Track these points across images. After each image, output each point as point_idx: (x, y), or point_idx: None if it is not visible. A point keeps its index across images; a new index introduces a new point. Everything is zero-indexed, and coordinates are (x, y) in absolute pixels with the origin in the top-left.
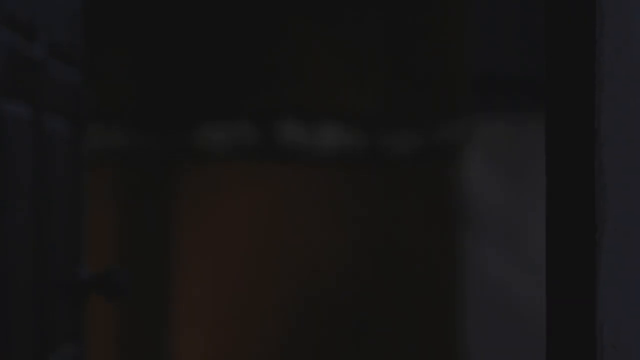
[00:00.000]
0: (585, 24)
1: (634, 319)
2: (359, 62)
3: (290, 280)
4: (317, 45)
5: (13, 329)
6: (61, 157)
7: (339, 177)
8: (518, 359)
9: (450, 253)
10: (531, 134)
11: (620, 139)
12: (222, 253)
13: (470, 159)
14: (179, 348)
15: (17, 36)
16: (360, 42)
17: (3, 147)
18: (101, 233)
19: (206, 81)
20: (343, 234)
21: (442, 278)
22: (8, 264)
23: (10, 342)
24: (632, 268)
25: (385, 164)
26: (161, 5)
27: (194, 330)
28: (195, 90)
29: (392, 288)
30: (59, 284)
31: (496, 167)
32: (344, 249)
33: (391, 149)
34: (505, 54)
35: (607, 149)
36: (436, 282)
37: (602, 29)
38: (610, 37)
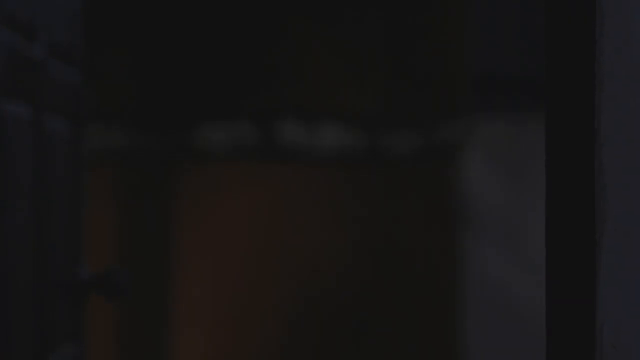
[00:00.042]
0: (585, 24)
1: (634, 319)
2: (359, 62)
3: (290, 280)
4: (317, 45)
5: (13, 329)
6: (61, 157)
7: (339, 177)
8: (518, 359)
9: (450, 253)
10: (531, 134)
11: (620, 139)
12: (222, 253)
13: (470, 159)
14: (179, 348)
15: (17, 36)
16: (360, 42)
17: (3, 147)
18: (101, 233)
19: (206, 81)
20: (343, 234)
21: (442, 278)
22: (8, 264)
23: (10, 342)
24: (632, 268)
25: (385, 164)
26: (161, 5)
27: (194, 330)
28: (195, 90)
29: (392, 288)
30: (59, 284)
31: (496, 167)
32: (344, 249)
33: (391, 149)
34: (505, 54)
35: (607, 149)
36: (436, 282)
37: (602, 29)
38: (610, 37)
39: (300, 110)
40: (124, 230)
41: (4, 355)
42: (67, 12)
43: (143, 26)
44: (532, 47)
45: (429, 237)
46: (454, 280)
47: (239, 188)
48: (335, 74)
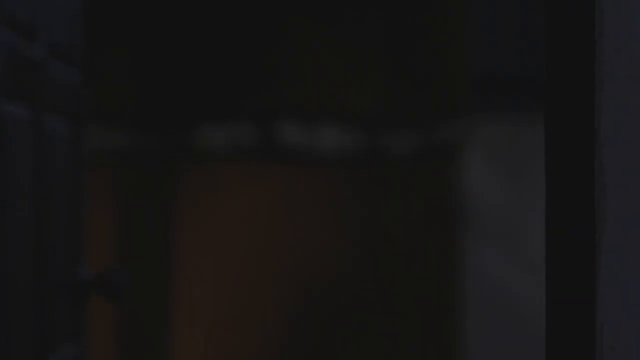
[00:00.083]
0: (585, 24)
1: (634, 319)
2: (359, 62)
3: (290, 280)
4: (317, 45)
5: (13, 329)
6: (61, 157)
7: (339, 177)
8: (518, 359)
9: (450, 253)
10: (531, 134)
11: (620, 139)
12: (222, 253)
13: (470, 159)
14: (179, 348)
15: (17, 36)
16: (360, 42)
17: (3, 147)
18: (101, 233)
19: (206, 81)
20: (343, 234)
21: (442, 278)
22: (8, 264)
23: (10, 342)
24: (632, 268)
25: (385, 164)
26: (161, 5)
27: (194, 330)
28: (195, 90)
29: (392, 288)
30: (59, 284)
31: (496, 167)
32: (344, 249)
33: (391, 149)
34: (505, 54)
35: (607, 149)
36: (436, 282)
37: (602, 29)
38: (610, 37)
39: (300, 110)
40: (124, 230)
41: (4, 355)
42: (67, 12)
43: (143, 26)
44: (532, 47)
45: (429, 237)
46: (453, 280)
47: (239, 188)
48: (335, 74)
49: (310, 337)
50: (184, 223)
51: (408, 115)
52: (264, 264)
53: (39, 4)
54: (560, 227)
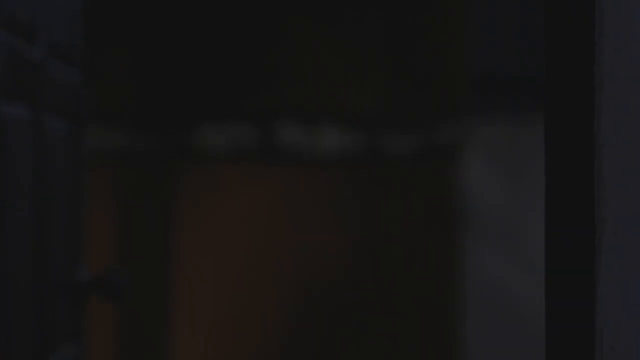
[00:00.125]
0: (585, 24)
1: (634, 319)
2: (359, 62)
3: (290, 280)
4: (317, 45)
5: (13, 329)
6: (61, 157)
7: (338, 177)
8: (518, 359)
9: (450, 253)
10: (531, 134)
11: (620, 139)
12: (222, 253)
13: (470, 159)
14: (179, 348)
15: (16, 37)
16: (360, 42)
17: (3, 147)
18: (101, 233)
19: (206, 81)
20: (343, 234)
21: (442, 278)
22: (8, 264)
23: (10, 342)
24: (632, 268)
25: (385, 164)
26: (161, 5)
27: (194, 330)
28: (195, 90)
29: (392, 288)
30: (59, 284)
31: (496, 167)
32: (343, 248)
33: (391, 149)
34: (505, 54)
35: (606, 149)
36: (436, 282)
37: (602, 29)
38: (610, 37)
39: (300, 111)
40: (124, 230)
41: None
42: (67, 12)
43: (143, 26)
44: (532, 47)
45: (429, 237)
46: (453, 280)
47: (239, 188)
48: (335, 74)
49: (310, 337)
50: (184, 223)
51: (408, 115)
52: (264, 264)
53: (39, 4)
54: (560, 227)
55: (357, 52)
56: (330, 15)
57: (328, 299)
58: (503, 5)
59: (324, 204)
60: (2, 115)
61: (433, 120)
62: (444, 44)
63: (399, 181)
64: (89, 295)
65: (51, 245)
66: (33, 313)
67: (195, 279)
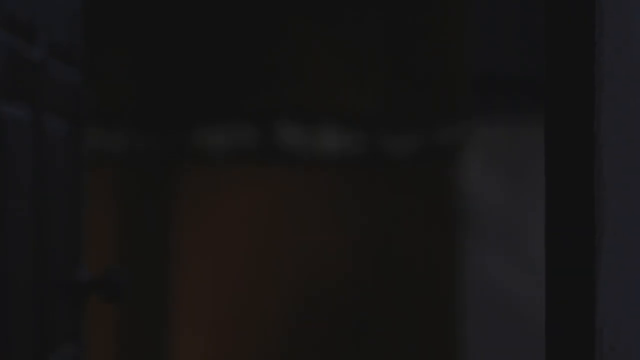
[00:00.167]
0: (585, 24)
1: (634, 319)
2: (359, 62)
3: (290, 281)
4: (317, 45)
5: (13, 329)
6: (61, 157)
7: (338, 177)
8: (518, 359)
9: (450, 253)
10: (531, 135)
11: (620, 139)
12: (222, 253)
13: (470, 159)
14: (179, 348)
15: (16, 37)
16: (360, 42)
17: (3, 147)
18: (101, 233)
19: (206, 81)
20: (343, 234)
21: (442, 278)
22: (8, 264)
23: (10, 342)
24: (632, 268)
25: (385, 165)
26: (161, 5)
27: (194, 330)
28: (195, 90)
29: (392, 288)
30: (59, 285)
31: (496, 168)
32: (344, 249)
33: (391, 149)
34: (505, 54)
35: (606, 149)
36: (436, 282)
37: (602, 29)
38: (610, 37)
39: (300, 111)
40: (124, 230)
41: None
42: (67, 12)
43: (143, 26)
44: (532, 47)
45: (429, 237)
46: (453, 281)
47: (239, 188)
48: (335, 74)
49: (310, 337)
50: (184, 223)
51: (408, 115)
52: (264, 264)
53: (39, 4)
54: (560, 228)
55: (357, 52)
56: (330, 15)
57: (328, 299)
58: (503, 5)
59: (324, 204)
60: (2, 115)
61: (433, 120)
62: (444, 44)
63: (399, 181)
64: (89, 295)
65: (51, 245)
66: (33, 313)
67: (195, 279)
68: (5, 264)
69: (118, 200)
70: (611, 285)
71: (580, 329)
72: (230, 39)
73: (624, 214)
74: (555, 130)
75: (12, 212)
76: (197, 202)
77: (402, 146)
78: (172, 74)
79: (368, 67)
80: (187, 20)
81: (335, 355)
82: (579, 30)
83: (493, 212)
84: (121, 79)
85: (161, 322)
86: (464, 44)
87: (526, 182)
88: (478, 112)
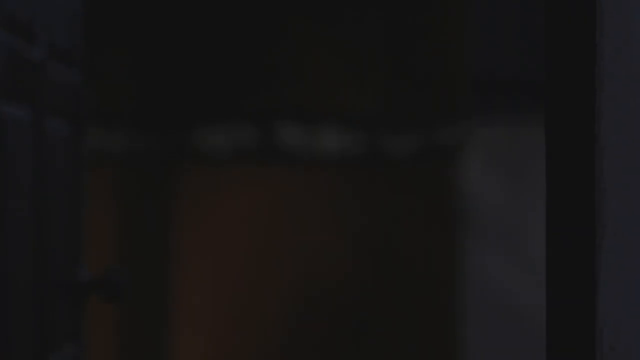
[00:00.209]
0: (585, 24)
1: (634, 319)
2: (359, 62)
3: (290, 281)
4: (317, 45)
5: (13, 329)
6: (61, 157)
7: (338, 177)
8: (518, 359)
9: (450, 253)
10: (531, 135)
11: (620, 140)
12: (222, 253)
13: (470, 159)
14: (179, 348)
15: (16, 37)
16: (360, 42)
17: (3, 147)
18: (101, 233)
19: (206, 81)
20: (343, 234)
21: (442, 278)
22: (8, 264)
23: (10, 342)
24: (632, 269)
25: (385, 165)
26: (161, 6)
27: (194, 330)
28: (195, 90)
29: (392, 288)
30: (59, 285)
31: (496, 168)
32: (344, 249)
33: (391, 149)
34: (505, 54)
35: (607, 150)
36: (436, 282)
37: (602, 29)
38: (610, 37)
39: (300, 111)
40: (124, 230)
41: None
42: (67, 13)
43: (143, 26)
44: (532, 48)
45: (429, 237)
46: (453, 281)
47: (239, 188)
48: (335, 74)
49: (310, 337)
50: (184, 223)
51: (408, 115)
52: (264, 264)
53: (39, 5)
54: (560, 228)
55: (357, 52)
56: (330, 15)
57: (328, 299)
58: (503, 5)
59: (324, 204)
60: (2, 115)
61: (433, 120)
62: (444, 44)
63: (399, 181)
64: (89, 295)
65: (51, 245)
66: (33, 313)
67: (195, 279)
68: (5, 264)
69: (118, 200)
70: (611, 285)
71: (581, 329)
72: (230, 39)
73: (624, 214)
74: (556, 132)
75: (12, 212)
76: (197, 202)
77: (402, 146)
78: (172, 74)
79: (368, 67)
80: (187, 20)
81: (335, 355)
82: (579, 31)
83: (493, 212)
84: (121, 79)
85: (161, 322)
86: (464, 44)
87: (526, 182)
88: (478, 112)
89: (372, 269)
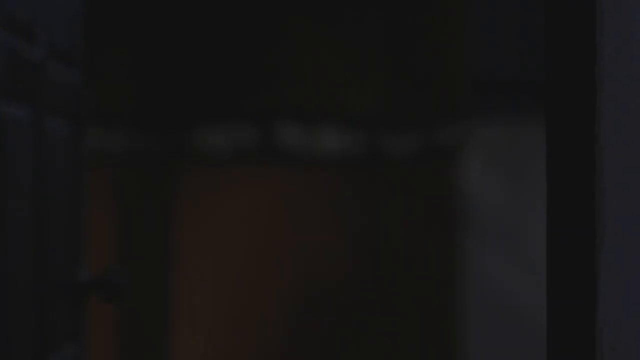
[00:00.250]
0: (585, 24)
1: (634, 319)
2: (359, 62)
3: (290, 281)
4: (317, 45)
5: (13, 329)
6: (61, 157)
7: (338, 177)
8: (518, 359)
9: (450, 253)
10: (531, 135)
11: (620, 140)
12: (222, 253)
13: (470, 159)
14: (179, 348)
15: (16, 37)
16: (360, 42)
17: (3, 147)
18: (101, 233)
19: (206, 81)
20: (343, 234)
21: (442, 278)
22: (8, 264)
23: (10, 342)
24: (632, 269)
25: (385, 165)
26: (161, 5)
27: (194, 330)
28: (195, 90)
29: (392, 288)
30: (59, 285)
31: (496, 168)
32: (344, 249)
33: (391, 149)
34: (505, 54)
35: (607, 150)
36: (436, 282)
37: (602, 29)
38: (610, 37)
39: (300, 111)
40: (124, 230)
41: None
42: (67, 13)
43: (143, 26)
44: (532, 48)
45: (429, 237)
46: (453, 281)
47: (239, 188)
48: (335, 74)
49: (310, 337)
50: (184, 223)
51: (408, 115)
52: (264, 264)
53: (39, 5)
54: (560, 228)
55: (357, 52)
56: (330, 15)
57: (328, 299)
58: (503, 5)
59: (324, 204)
60: (2, 115)
61: (433, 120)
62: (444, 44)
63: (399, 181)
64: (89, 295)
65: (51, 245)
66: (33, 313)
67: (195, 279)
68: (5, 264)
69: (118, 200)
70: (611, 285)
71: (581, 329)
72: (230, 39)
73: (624, 214)
74: (556, 131)
75: (12, 212)
76: (197, 202)
77: (402, 146)
78: (172, 74)
79: (368, 67)
80: (187, 20)
81: (335, 355)
82: (579, 31)
83: (493, 212)
84: (121, 79)
85: (161, 322)
86: (464, 44)
87: (526, 182)
88: (478, 112)
89: (372, 269)
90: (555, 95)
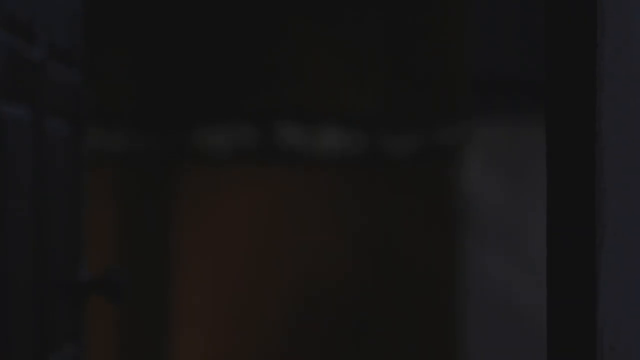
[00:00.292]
0: (585, 24)
1: (634, 319)
2: (359, 62)
3: (290, 281)
4: (317, 45)
5: (13, 329)
6: (61, 157)
7: (338, 177)
8: (518, 359)
9: (450, 253)
10: (531, 135)
11: (620, 140)
12: (222, 253)
13: (470, 159)
14: (179, 348)
15: (16, 37)
16: (360, 42)
17: (3, 147)
18: (101, 233)
19: (206, 81)
20: (343, 234)
21: (442, 278)
22: (8, 264)
23: (10, 342)
24: (632, 268)
25: (385, 165)
26: (161, 5)
27: (194, 330)
28: (195, 90)
29: (392, 288)
30: (59, 285)
31: (496, 168)
32: (344, 249)
33: (391, 149)
34: (505, 54)
35: (607, 150)
36: (436, 282)
37: (602, 29)
38: (610, 37)
39: (300, 111)
40: (124, 230)
41: (4, 355)
42: (67, 13)
43: (143, 26)
44: (532, 48)
45: (429, 237)
46: (453, 281)
47: (239, 188)
48: (335, 74)
49: (310, 337)
50: (184, 223)
51: (408, 115)
52: (264, 264)
53: (39, 5)
54: (560, 228)
55: (357, 52)
56: (330, 15)
57: (328, 299)
58: (503, 5)
59: (324, 204)
60: (2, 115)
61: (433, 120)
62: (444, 44)
63: (399, 181)
64: (89, 295)
65: (51, 245)
66: (33, 313)
67: (195, 279)
68: (5, 264)
69: (118, 200)
70: (611, 285)
71: (581, 329)
72: (230, 39)
73: (624, 214)
74: (556, 131)
75: (12, 212)
76: (197, 202)
77: (402, 146)
78: (172, 74)
79: (368, 67)
80: (187, 20)
81: (335, 355)
82: (579, 31)
83: (493, 212)
84: (121, 79)
85: (161, 322)
86: (464, 44)
87: (526, 182)
88: (478, 112)
89: (372, 269)
90: (555, 95)
